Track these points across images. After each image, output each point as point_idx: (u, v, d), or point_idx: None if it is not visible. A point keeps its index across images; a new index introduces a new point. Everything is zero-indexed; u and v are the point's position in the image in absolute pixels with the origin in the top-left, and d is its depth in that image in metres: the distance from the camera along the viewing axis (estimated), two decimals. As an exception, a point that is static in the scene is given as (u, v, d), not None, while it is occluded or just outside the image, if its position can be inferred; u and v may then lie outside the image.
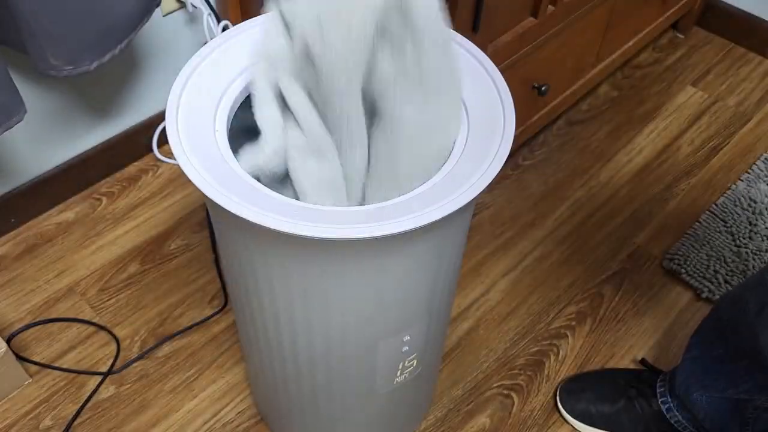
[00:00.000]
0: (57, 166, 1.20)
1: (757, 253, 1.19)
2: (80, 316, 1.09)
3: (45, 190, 1.19)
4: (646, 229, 1.25)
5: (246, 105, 0.62)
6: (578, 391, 1.00)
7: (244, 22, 0.67)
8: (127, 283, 1.13)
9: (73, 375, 1.02)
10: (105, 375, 1.02)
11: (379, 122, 0.59)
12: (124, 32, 0.96)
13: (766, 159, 1.35)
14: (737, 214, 1.25)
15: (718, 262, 1.18)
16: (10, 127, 0.90)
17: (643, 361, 1.03)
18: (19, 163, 1.14)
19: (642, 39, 1.44)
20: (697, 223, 1.24)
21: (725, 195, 1.29)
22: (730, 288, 1.14)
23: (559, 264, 1.19)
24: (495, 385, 1.04)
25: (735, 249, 1.20)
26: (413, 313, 0.69)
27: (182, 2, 1.17)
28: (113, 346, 1.05)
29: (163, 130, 1.30)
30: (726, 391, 0.83)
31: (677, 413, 0.92)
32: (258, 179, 0.58)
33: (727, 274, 1.16)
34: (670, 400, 0.93)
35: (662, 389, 0.95)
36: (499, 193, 1.29)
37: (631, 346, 1.09)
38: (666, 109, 1.46)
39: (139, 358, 1.04)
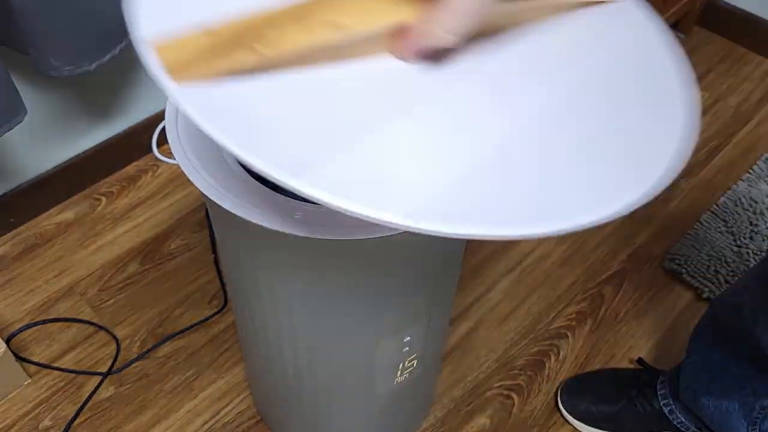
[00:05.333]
0: (56, 166, 1.19)
1: (758, 253, 1.19)
2: (80, 317, 1.08)
3: (44, 189, 1.19)
4: (646, 229, 1.25)
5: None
6: (579, 391, 1.00)
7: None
8: (126, 283, 1.13)
9: (73, 375, 1.02)
10: (105, 375, 1.02)
11: None
12: (124, 33, 0.96)
13: (766, 159, 1.35)
14: (738, 214, 1.25)
15: (719, 262, 1.18)
16: (11, 128, 0.89)
17: (640, 361, 1.02)
18: (18, 163, 1.14)
19: (642, 39, 1.43)
20: (698, 224, 1.24)
21: (726, 195, 1.29)
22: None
23: (560, 264, 1.19)
24: (495, 385, 1.04)
25: (736, 249, 1.20)
26: (413, 313, 0.69)
27: (182, 2, 1.16)
28: (113, 346, 1.05)
29: (163, 129, 1.29)
30: (734, 394, 0.83)
31: (680, 415, 0.92)
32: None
33: (728, 275, 1.16)
34: (672, 402, 0.93)
35: (663, 391, 0.94)
36: (499, 193, 1.29)
37: (631, 347, 1.09)
38: (667, 109, 1.46)
39: (139, 358, 1.04)
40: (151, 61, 0.33)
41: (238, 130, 0.32)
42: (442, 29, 0.34)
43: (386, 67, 0.36)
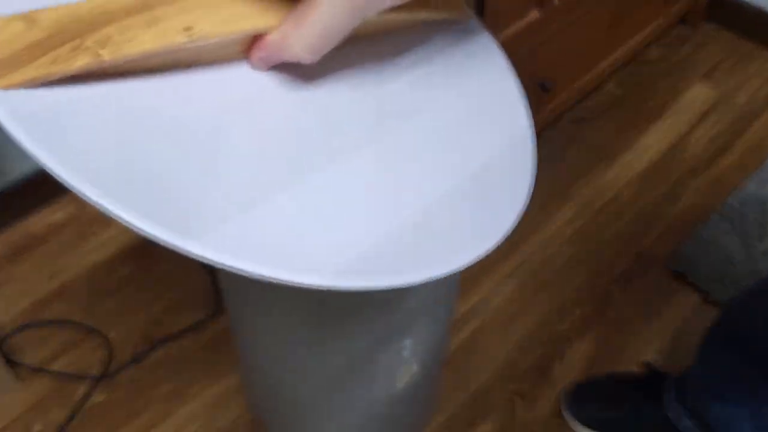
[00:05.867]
0: (49, 165, 1.18)
1: (767, 254, 1.17)
2: (72, 319, 1.07)
3: (35, 190, 1.18)
4: (652, 229, 1.23)
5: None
6: (583, 396, 0.99)
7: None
8: (119, 286, 1.11)
9: (65, 379, 1.01)
10: (97, 379, 1.00)
11: None
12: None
13: (775, 157, 1.33)
14: (746, 214, 1.23)
15: (727, 263, 1.16)
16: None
17: (647, 365, 1.01)
18: (8, 163, 1.13)
19: (649, 34, 1.42)
20: (705, 225, 1.22)
21: (733, 195, 1.27)
22: (738, 290, 1.12)
23: (564, 265, 1.17)
24: (499, 389, 1.02)
25: (744, 250, 1.18)
26: (413, 318, 0.67)
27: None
28: (105, 350, 1.04)
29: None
30: (744, 401, 0.82)
31: (687, 420, 0.90)
32: None
33: (735, 276, 1.14)
34: (679, 407, 0.91)
35: (670, 395, 0.93)
36: (502, 193, 1.27)
37: (638, 350, 1.07)
38: (673, 106, 1.44)
39: (132, 362, 1.03)
40: None
41: (96, 167, 0.29)
42: (299, 46, 0.32)
43: (242, 80, 0.34)
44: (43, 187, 1.19)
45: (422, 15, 0.41)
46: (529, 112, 0.43)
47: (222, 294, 1.09)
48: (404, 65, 0.39)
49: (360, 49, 0.37)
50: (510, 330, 1.09)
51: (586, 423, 0.97)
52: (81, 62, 0.28)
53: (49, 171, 0.29)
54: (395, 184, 0.35)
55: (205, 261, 0.29)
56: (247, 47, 0.34)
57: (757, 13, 1.54)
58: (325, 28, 0.31)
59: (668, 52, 1.55)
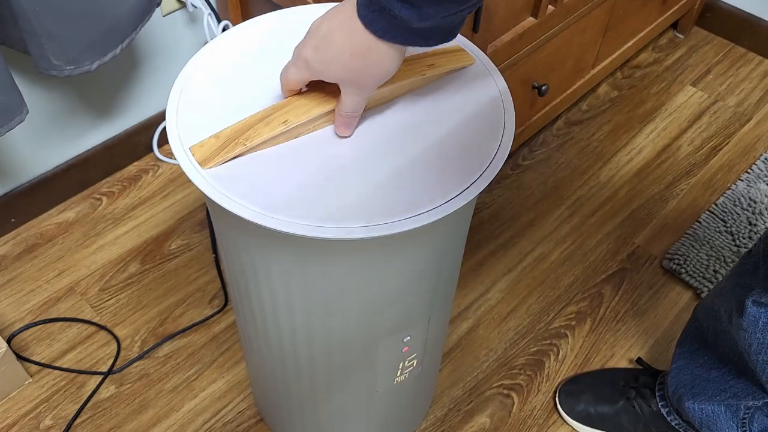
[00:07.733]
0: (57, 166, 1.20)
1: (757, 252, 1.19)
2: (80, 316, 1.09)
3: (45, 189, 1.19)
4: (645, 228, 1.25)
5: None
6: (577, 392, 1.00)
7: (244, 22, 0.67)
8: (127, 283, 1.13)
9: (74, 375, 1.03)
10: (105, 375, 1.02)
11: None
12: (124, 32, 0.96)
13: (766, 159, 1.35)
14: (737, 214, 1.26)
15: (718, 262, 1.18)
16: (13, 128, 0.90)
17: (639, 361, 1.03)
18: (19, 163, 1.14)
19: (642, 39, 1.44)
20: (697, 223, 1.24)
21: (725, 195, 1.29)
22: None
23: (559, 264, 1.19)
24: (495, 384, 1.04)
25: (735, 249, 1.20)
26: (413, 313, 0.69)
27: (182, 2, 1.17)
28: (113, 346, 1.06)
29: (164, 129, 1.30)
30: (715, 397, 0.83)
31: (677, 416, 0.92)
32: None
33: (727, 274, 1.16)
34: (667, 403, 0.93)
35: (661, 393, 0.94)
36: (499, 193, 1.29)
37: (631, 346, 1.09)
38: (666, 109, 1.46)
39: (140, 357, 1.04)
40: (190, 157, 0.55)
41: (244, 191, 0.54)
42: (346, 114, 0.56)
43: (316, 136, 0.59)
44: (53, 187, 1.20)
45: (434, 72, 0.61)
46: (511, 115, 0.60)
47: (227, 288, 1.10)
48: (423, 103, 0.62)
49: (393, 105, 0.62)
50: (505, 326, 1.11)
51: (579, 418, 0.99)
52: (237, 150, 0.55)
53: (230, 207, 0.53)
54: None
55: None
56: (324, 120, 0.58)
57: (747, 18, 1.56)
58: (352, 109, 0.55)
59: (661, 56, 1.58)
